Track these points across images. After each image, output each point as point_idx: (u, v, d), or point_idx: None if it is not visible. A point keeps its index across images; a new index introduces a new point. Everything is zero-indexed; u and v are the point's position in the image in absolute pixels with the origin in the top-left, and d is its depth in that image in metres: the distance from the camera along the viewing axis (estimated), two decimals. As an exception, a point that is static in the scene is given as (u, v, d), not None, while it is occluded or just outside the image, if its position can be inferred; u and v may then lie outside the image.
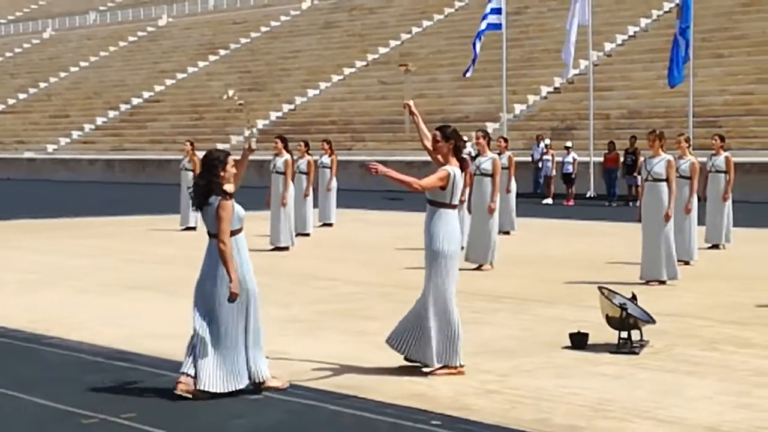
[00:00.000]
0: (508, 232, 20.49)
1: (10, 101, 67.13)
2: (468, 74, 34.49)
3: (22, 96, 67.37)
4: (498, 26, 32.65)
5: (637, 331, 9.55)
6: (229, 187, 7.93)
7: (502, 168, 17.77)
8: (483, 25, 32.95)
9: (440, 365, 8.55)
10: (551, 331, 10.43)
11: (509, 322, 11.11)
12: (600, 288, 9.78)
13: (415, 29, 56.12)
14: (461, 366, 8.58)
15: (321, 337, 9.67)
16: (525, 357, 9.27)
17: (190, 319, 7.94)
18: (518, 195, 21.91)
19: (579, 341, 9.60)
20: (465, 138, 19.80)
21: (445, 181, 8.49)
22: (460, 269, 9.02)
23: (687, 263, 15.58)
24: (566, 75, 35.22)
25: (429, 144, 8.85)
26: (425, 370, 8.59)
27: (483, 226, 15.68)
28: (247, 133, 10.14)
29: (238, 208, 7.97)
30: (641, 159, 21.90)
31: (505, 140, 21.85)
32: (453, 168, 8.57)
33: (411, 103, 9.12)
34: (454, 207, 8.62)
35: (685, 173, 15.70)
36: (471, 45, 34.84)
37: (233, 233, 7.87)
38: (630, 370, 8.74)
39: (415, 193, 9.14)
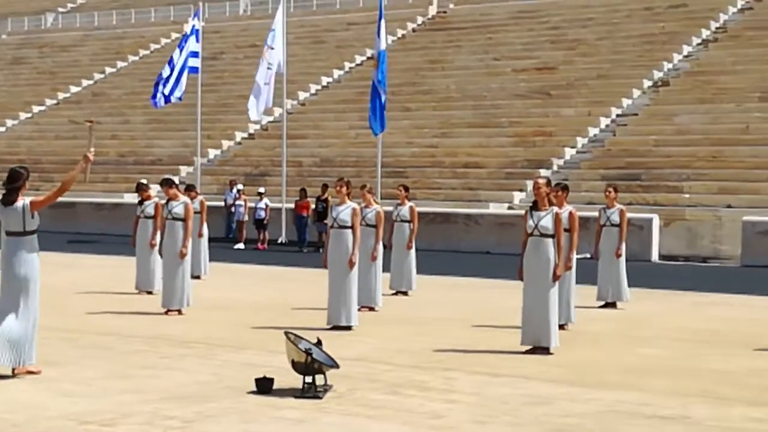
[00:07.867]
0: (198, 277, 20.50)
1: None
2: (168, 102, 31.95)
3: None
4: (195, 69, 32.53)
5: (322, 376, 9.77)
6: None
7: (195, 212, 17.80)
8: (181, 61, 31.56)
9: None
10: (239, 376, 10.48)
11: (197, 367, 11.07)
12: (286, 333, 9.93)
13: (108, 69, 55.15)
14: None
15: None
16: (211, 402, 9.26)
17: None
18: (210, 239, 22.06)
19: (264, 386, 9.70)
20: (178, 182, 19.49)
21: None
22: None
23: (372, 309, 16.11)
24: (258, 117, 34.39)
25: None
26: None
27: (174, 269, 15.56)
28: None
29: None
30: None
31: (193, 187, 22.10)
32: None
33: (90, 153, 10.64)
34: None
35: (371, 222, 16.24)
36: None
37: None
38: (314, 414, 8.91)
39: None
